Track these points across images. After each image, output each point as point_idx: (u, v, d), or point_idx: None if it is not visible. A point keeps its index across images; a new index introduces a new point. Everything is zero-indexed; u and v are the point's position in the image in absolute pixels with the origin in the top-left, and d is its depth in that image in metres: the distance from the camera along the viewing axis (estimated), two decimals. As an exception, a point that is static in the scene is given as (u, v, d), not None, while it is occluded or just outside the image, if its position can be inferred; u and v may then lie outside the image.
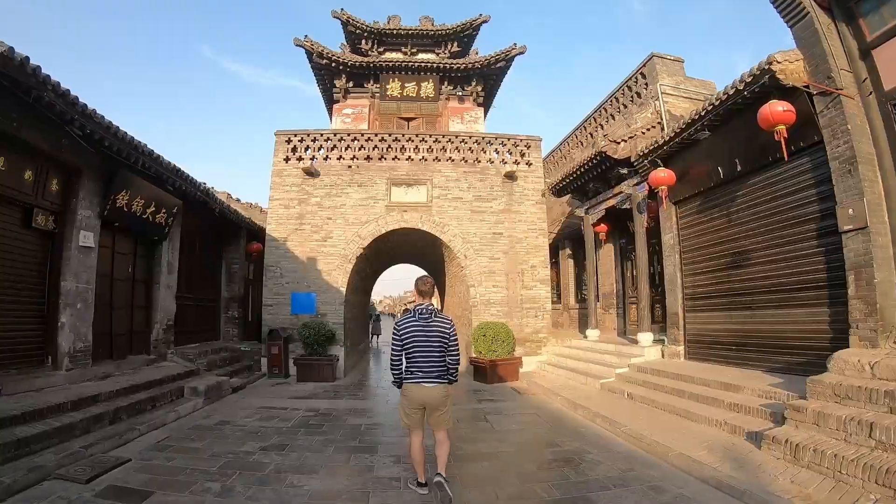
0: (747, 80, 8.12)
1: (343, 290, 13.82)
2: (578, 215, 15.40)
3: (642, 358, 11.10)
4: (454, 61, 18.28)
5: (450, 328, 4.90)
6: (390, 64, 18.13)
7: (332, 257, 13.98)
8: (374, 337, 27.77)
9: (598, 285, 15.30)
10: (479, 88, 18.89)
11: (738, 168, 9.20)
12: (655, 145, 10.83)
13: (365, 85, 18.67)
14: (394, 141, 14.86)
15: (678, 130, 10.01)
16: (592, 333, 14.27)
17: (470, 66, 18.16)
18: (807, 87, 7.46)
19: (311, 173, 14.40)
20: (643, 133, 12.46)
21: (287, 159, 14.60)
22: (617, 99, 16.26)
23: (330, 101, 19.30)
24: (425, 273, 23.44)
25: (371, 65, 18.10)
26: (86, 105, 7.90)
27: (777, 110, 7.32)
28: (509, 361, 13.05)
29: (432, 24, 19.51)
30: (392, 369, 4.99)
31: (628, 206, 12.66)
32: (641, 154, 11.41)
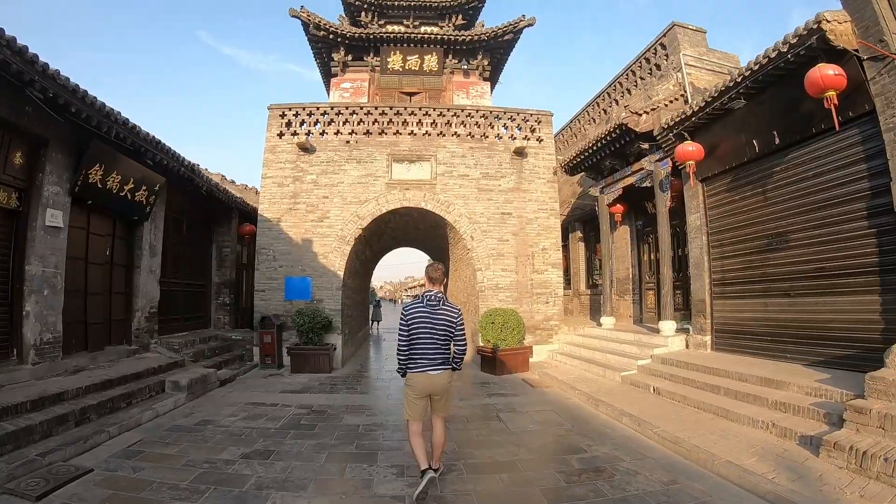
0: (792, 42, 7.30)
1: (340, 274, 12.94)
2: (592, 195, 14.55)
3: (665, 348, 10.31)
4: (459, 33, 17.26)
5: (457, 317, 4.82)
6: (391, 35, 17.14)
7: (328, 239, 13.08)
8: (375, 324, 26.94)
9: (612, 270, 14.38)
10: (486, 62, 17.91)
11: (776, 141, 8.34)
12: (683, 116, 9.93)
13: (364, 58, 17.68)
14: (395, 115, 13.90)
15: (711, 98, 9.12)
16: (607, 321, 13.47)
17: (476, 37, 17.16)
18: (856, 50, 6.71)
19: (306, 149, 13.47)
20: (665, 106, 11.53)
21: (281, 134, 13.67)
22: (633, 72, 15.38)
23: (328, 76, 18.32)
24: (429, 258, 22.78)
25: (371, 36, 17.11)
26: (47, 65, 7.00)
27: (828, 74, 6.55)
28: (519, 351, 12.21)
29: (436, -6, 18.47)
30: (398, 356, 4.85)
31: (649, 185, 11.81)
32: (666, 126, 10.49)
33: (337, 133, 13.73)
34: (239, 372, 11.52)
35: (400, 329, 4.84)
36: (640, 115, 11.40)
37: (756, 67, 7.97)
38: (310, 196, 13.31)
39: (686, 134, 10.08)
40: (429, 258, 27.73)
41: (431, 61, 17.49)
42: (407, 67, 17.53)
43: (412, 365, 4.73)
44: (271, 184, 13.46)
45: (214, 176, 17.97)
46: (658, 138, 10.96)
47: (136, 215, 10.56)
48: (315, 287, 12.83)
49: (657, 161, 11.43)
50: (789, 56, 7.35)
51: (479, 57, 17.80)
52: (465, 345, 4.92)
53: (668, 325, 10.84)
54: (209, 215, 15.05)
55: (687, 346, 10.37)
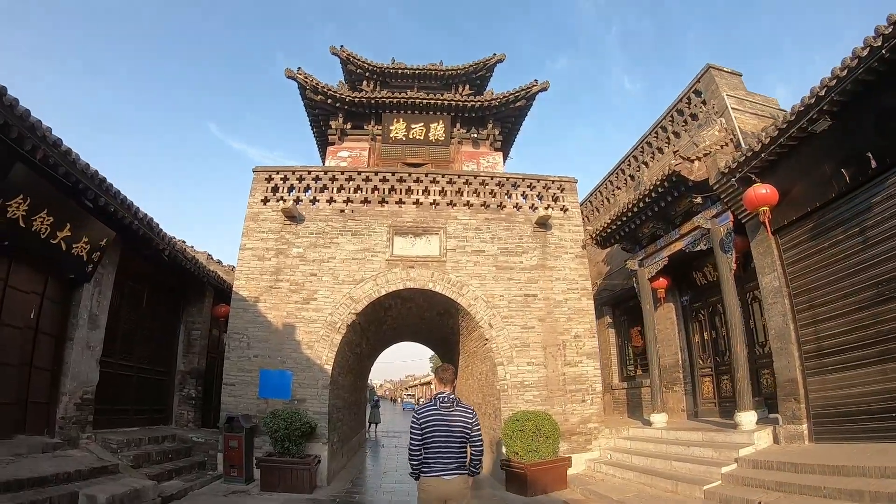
0: (886, 32, 5.82)
1: (328, 368, 10.52)
2: (630, 268, 12.41)
3: (752, 447, 8.05)
4: (468, 99, 15.74)
5: (472, 418, 4.64)
6: (395, 101, 15.53)
7: (315, 325, 10.76)
8: (373, 426, 24.02)
9: (658, 357, 11.97)
10: (497, 131, 16.30)
11: (872, 165, 6.71)
12: (750, 153, 8.29)
13: (365, 126, 16.07)
14: (398, 181, 11.98)
15: (787, 124, 7.59)
16: (658, 419, 11.04)
17: (486, 103, 15.64)
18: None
19: (293, 217, 11.43)
20: (719, 149, 9.71)
21: (265, 200, 11.70)
22: (664, 128, 13.64)
23: (324, 146, 16.61)
24: (434, 354, 20.39)
25: (372, 101, 15.57)
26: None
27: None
28: (556, 464, 9.66)
29: (441, 65, 17.15)
30: (410, 460, 4.61)
31: (703, 247, 10.06)
32: (727, 170, 8.73)
33: (330, 201, 11.74)
34: (194, 485, 9.01)
35: (412, 432, 4.62)
36: (693, 161, 9.50)
37: (844, 73, 6.43)
38: (294, 273, 11.12)
39: (753, 176, 8.37)
40: (434, 354, 25.17)
41: (438, 129, 15.82)
42: (411, 136, 15.83)
43: (426, 469, 4.49)
44: (250, 256, 11.33)
45: (200, 255, 15.86)
46: (716, 188, 9.26)
47: (73, 273, 8.41)
48: (297, 384, 10.38)
49: (714, 217, 9.68)
50: (884, 52, 5.90)
51: (490, 125, 16.20)
52: (482, 447, 4.73)
53: (747, 417, 8.65)
54: (177, 290, 12.80)
55: (776, 441, 8.18)
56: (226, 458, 9.81)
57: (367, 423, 22.77)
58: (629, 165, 15.45)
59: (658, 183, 10.10)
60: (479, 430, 4.70)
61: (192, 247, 15.75)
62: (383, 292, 11.01)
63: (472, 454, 4.67)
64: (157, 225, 10.04)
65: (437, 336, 16.29)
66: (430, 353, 29.40)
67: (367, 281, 11.05)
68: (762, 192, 8.04)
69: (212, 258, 18.45)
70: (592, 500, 8.54)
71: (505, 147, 17.00)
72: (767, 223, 8.18)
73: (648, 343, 11.91)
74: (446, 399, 4.65)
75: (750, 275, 9.72)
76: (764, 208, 8.04)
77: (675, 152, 10.99)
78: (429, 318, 13.75)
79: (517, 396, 10.74)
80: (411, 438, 4.63)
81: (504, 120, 16.50)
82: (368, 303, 10.95)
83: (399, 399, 76.39)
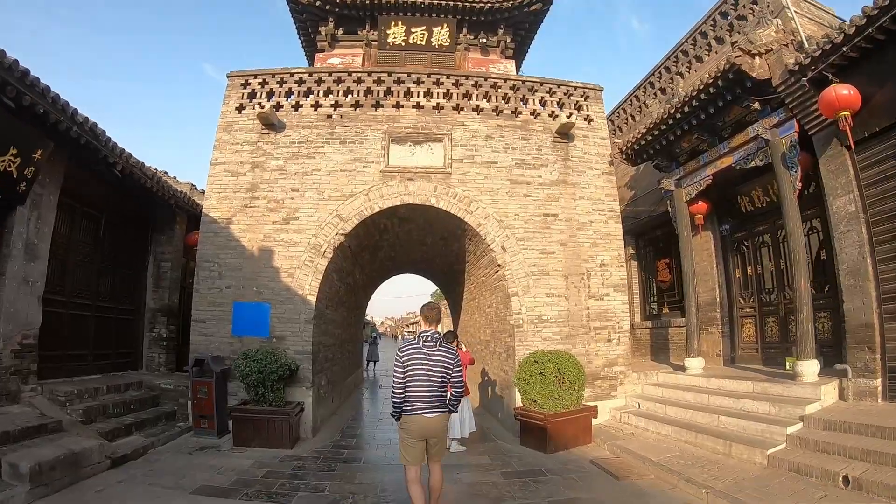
0: None
1: (312, 299, 8.92)
2: (665, 189, 10.72)
3: (818, 404, 6.76)
4: (476, 1, 13.54)
5: (454, 358, 4.70)
6: (392, 2, 13.37)
7: (296, 249, 9.11)
8: (371, 364, 22.71)
9: (697, 292, 10.35)
10: (508, 38, 14.12)
11: None
12: (829, 45, 6.67)
13: (359, 32, 13.89)
14: (395, 82, 10.10)
15: (881, 6, 5.96)
16: (693, 364, 9.59)
17: (496, 5, 13.43)
18: None
19: (271, 124, 9.63)
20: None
21: (241, 108, 9.91)
22: (703, 34, 11.71)
23: (312, 54, 14.53)
24: (436, 288, 18.82)
25: (367, 3, 13.38)
26: None
27: None
28: (580, 414, 8.21)
29: (447, -36, 14.84)
30: (393, 398, 4.66)
31: (758, 163, 8.45)
32: (797, 67, 7.14)
33: (315, 106, 9.91)
34: (157, 441, 7.68)
35: (395, 370, 4.64)
36: (753, 56, 7.71)
37: None
38: (273, 188, 9.40)
39: (830, 76, 6.77)
40: (436, 290, 23.61)
41: (442, 34, 13.70)
42: (411, 41, 13.72)
43: (408, 407, 4.53)
44: (222, 172, 9.60)
45: (183, 185, 14.02)
46: (780, 90, 7.61)
47: (2, 193, 6.75)
48: (275, 319, 8.81)
49: (774, 127, 8.04)
50: None
51: (501, 31, 14.04)
52: (462, 386, 4.99)
53: (810, 368, 7.34)
54: (144, 217, 11.10)
55: (842, 397, 6.99)
56: (194, 407, 8.41)
57: (366, 362, 21.48)
58: (660, 78, 13.49)
59: (711, 82, 8.27)
60: (459, 369, 4.79)
61: (175, 178, 13.94)
62: (377, 209, 9.28)
63: (452, 394, 4.75)
64: (105, 133, 8.23)
65: (439, 266, 14.68)
66: (432, 288, 27.92)
67: (357, 196, 9.31)
68: (844, 93, 6.55)
69: (195, 188, 16.65)
70: (627, 460, 7.09)
71: (518, 57, 14.89)
72: (849, 132, 6.60)
73: (686, 275, 10.31)
74: (429, 338, 4.65)
75: (807, 202, 8.35)
76: (845, 113, 6.58)
77: (733, 44, 9.12)
78: (431, 244, 12.10)
79: (534, 334, 9.17)
80: (394, 377, 4.63)
81: (517, 26, 14.32)
82: (359, 221, 9.24)
83: (400, 336, 76.06)
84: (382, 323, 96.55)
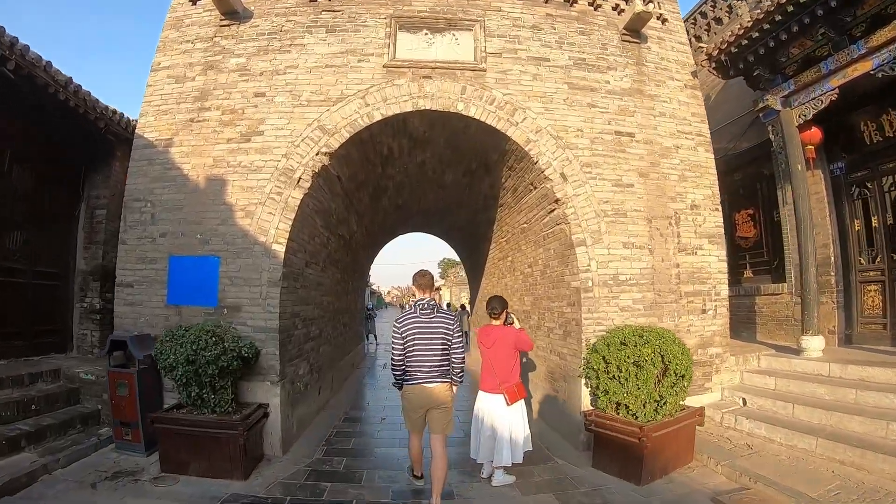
0: None
1: (279, 248, 6.02)
2: (770, 108, 7.81)
3: None
4: None
5: (453, 324, 4.63)
6: None
7: (258, 176, 6.20)
8: (371, 336, 19.94)
9: (812, 249, 7.49)
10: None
11: None
12: None
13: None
14: (404, -51, 7.08)
15: None
16: (813, 344, 6.99)
17: None
18: None
19: (233, 13, 6.72)
20: None
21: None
22: None
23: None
24: (442, 258, 16.52)
25: None
26: None
27: None
28: (685, 421, 5.52)
29: None
30: (393, 370, 4.68)
31: None
32: None
33: (293, -15, 6.93)
34: (57, 461, 5.18)
35: (393, 340, 4.63)
36: None
37: None
38: (230, 95, 6.49)
39: None
40: (444, 259, 20.89)
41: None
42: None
43: (408, 378, 4.53)
44: (165, 79, 6.72)
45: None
46: None
47: None
48: (226, 279, 5.96)
49: None
50: None
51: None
52: (463, 352, 4.68)
53: None
54: (75, 155, 8.22)
55: None
56: (114, 410, 5.73)
57: (366, 335, 18.64)
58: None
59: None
60: (459, 335, 4.65)
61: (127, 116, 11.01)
62: (378, 117, 6.29)
63: (453, 361, 4.60)
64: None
65: (458, 219, 11.79)
66: (441, 253, 25.09)
67: (349, 100, 6.34)
68: None
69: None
70: (766, 495, 4.55)
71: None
72: None
73: (802, 223, 7.44)
74: (426, 305, 4.60)
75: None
76: None
77: None
78: (451, 184, 9.21)
79: (608, 301, 6.31)
80: (393, 348, 4.61)
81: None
82: (352, 137, 6.25)
83: (407, 305, 73.72)
84: (389, 292, 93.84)
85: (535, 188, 6.84)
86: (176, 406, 5.35)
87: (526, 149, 6.42)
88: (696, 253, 6.93)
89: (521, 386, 4.96)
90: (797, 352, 7.03)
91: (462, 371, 4.70)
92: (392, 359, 4.63)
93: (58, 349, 7.94)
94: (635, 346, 5.18)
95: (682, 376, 5.24)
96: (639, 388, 5.11)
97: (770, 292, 9.26)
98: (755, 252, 10.13)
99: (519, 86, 6.61)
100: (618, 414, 5.31)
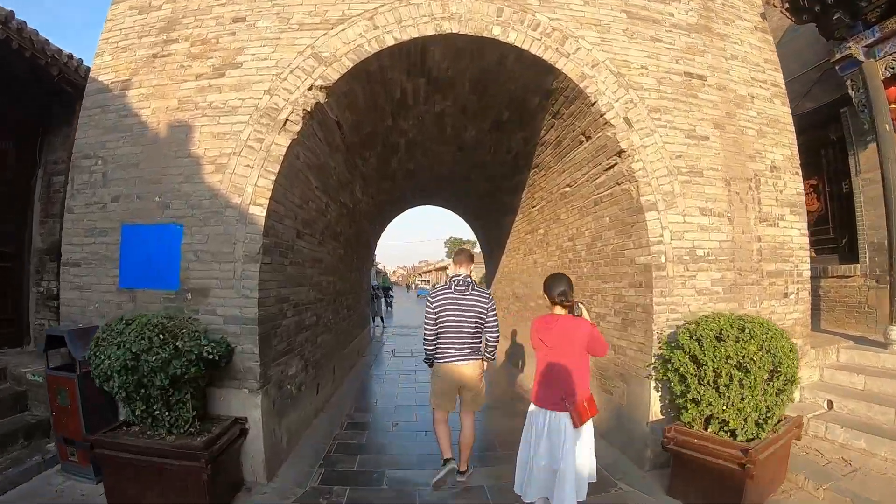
0: None
1: (259, 211, 4.57)
2: (853, 57, 6.44)
3: None
4: None
5: (488, 302, 4.47)
6: None
7: (233, 119, 4.78)
8: (379, 318, 18.57)
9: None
10: None
11: None
12: None
13: None
14: None
15: None
16: None
17: None
18: None
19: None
20: None
21: None
22: None
23: None
24: (449, 236, 15.53)
25: None
26: None
27: None
28: (785, 437, 4.25)
29: None
30: (425, 345, 4.55)
31: None
32: None
33: None
34: None
35: (426, 317, 4.47)
36: None
37: None
38: (202, 23, 5.07)
39: None
40: (451, 237, 19.60)
41: None
42: None
43: (439, 355, 4.42)
44: (126, 12, 5.30)
45: None
46: None
47: None
48: (190, 253, 4.58)
49: None
50: None
51: None
52: (498, 332, 4.54)
53: None
54: (23, 107, 6.85)
55: None
56: (56, 423, 4.52)
57: (371, 317, 17.28)
58: None
59: None
60: (494, 314, 4.49)
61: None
62: (390, 42, 4.83)
63: (487, 341, 4.53)
64: None
65: (477, 187, 10.37)
66: (450, 230, 23.70)
67: (353, 21, 4.89)
68: None
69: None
70: None
71: None
72: None
73: (891, 192, 6.09)
74: (461, 282, 4.44)
75: None
76: None
77: None
78: (474, 140, 7.72)
79: (684, 282, 4.94)
80: (425, 323, 4.47)
81: None
82: (355, 65, 4.81)
83: (413, 285, 72.43)
84: (395, 272, 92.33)
85: (589, 139, 5.44)
86: (125, 423, 4.04)
87: (581, 86, 4.99)
88: (777, 224, 5.60)
89: (592, 401, 3.53)
90: (884, 345, 5.80)
91: (494, 350, 4.62)
92: (424, 334, 4.52)
93: (12, 343, 6.68)
94: (736, 341, 3.87)
95: (791, 381, 3.95)
96: (743, 399, 3.80)
97: (839, 274, 7.92)
98: (819, 228, 8.77)
99: (568, 10, 5.19)
100: (708, 430, 4.02)
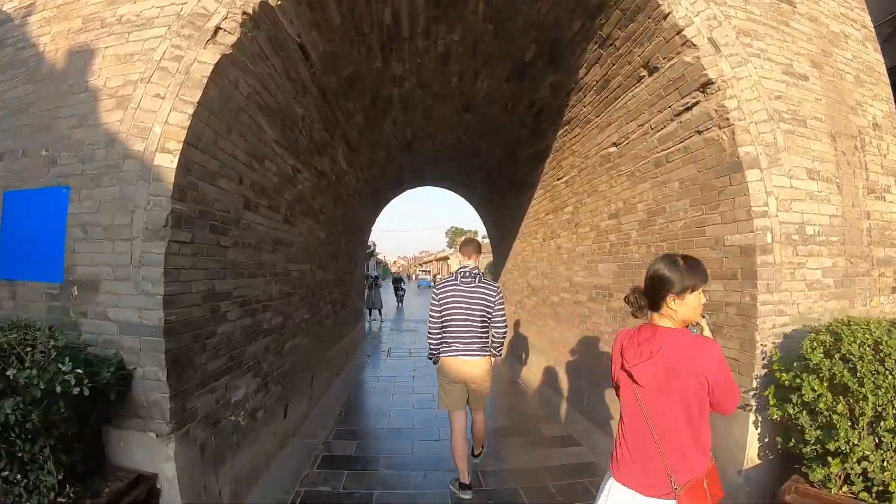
0: None
1: (169, 161, 3.01)
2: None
3: None
4: None
5: (495, 295, 4.21)
6: None
7: (145, 34, 3.26)
8: (377, 312, 17.17)
9: None
10: None
11: None
12: None
13: None
14: None
15: None
16: None
17: None
18: None
19: None
20: None
21: None
22: None
23: None
24: (450, 226, 14.47)
25: None
26: None
27: None
28: None
29: None
30: (429, 339, 4.34)
31: None
32: None
33: None
34: None
35: (430, 309, 4.29)
36: None
37: None
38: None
39: None
40: (451, 227, 18.31)
41: None
42: None
43: (445, 349, 4.20)
44: None
45: None
46: None
47: None
48: (77, 227, 3.15)
49: None
50: None
51: None
52: (505, 326, 4.29)
53: None
54: None
55: None
56: None
57: (367, 311, 15.86)
58: None
59: None
60: (502, 307, 4.24)
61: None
62: None
63: (493, 336, 4.31)
64: None
65: (488, 161, 8.94)
66: (447, 225, 22.41)
67: None
68: None
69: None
70: None
71: None
72: None
73: None
74: (467, 274, 4.23)
75: None
76: None
77: None
78: (486, 96, 6.22)
79: (793, 272, 3.51)
80: (430, 316, 4.30)
81: None
82: None
83: (413, 276, 71.26)
84: (395, 263, 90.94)
85: (655, 72, 3.95)
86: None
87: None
88: (884, 197, 4.23)
89: (716, 478, 2.06)
90: None
91: (502, 345, 4.41)
92: (428, 327, 4.33)
93: None
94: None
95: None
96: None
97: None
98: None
99: None
100: (850, 491, 2.66)
